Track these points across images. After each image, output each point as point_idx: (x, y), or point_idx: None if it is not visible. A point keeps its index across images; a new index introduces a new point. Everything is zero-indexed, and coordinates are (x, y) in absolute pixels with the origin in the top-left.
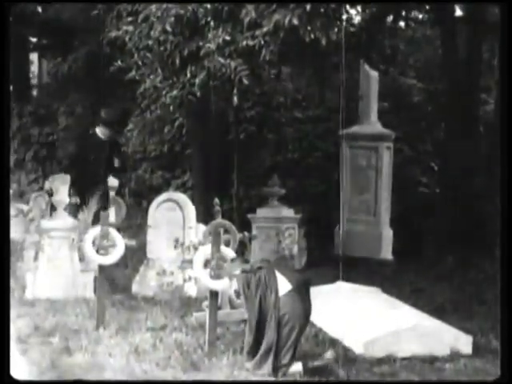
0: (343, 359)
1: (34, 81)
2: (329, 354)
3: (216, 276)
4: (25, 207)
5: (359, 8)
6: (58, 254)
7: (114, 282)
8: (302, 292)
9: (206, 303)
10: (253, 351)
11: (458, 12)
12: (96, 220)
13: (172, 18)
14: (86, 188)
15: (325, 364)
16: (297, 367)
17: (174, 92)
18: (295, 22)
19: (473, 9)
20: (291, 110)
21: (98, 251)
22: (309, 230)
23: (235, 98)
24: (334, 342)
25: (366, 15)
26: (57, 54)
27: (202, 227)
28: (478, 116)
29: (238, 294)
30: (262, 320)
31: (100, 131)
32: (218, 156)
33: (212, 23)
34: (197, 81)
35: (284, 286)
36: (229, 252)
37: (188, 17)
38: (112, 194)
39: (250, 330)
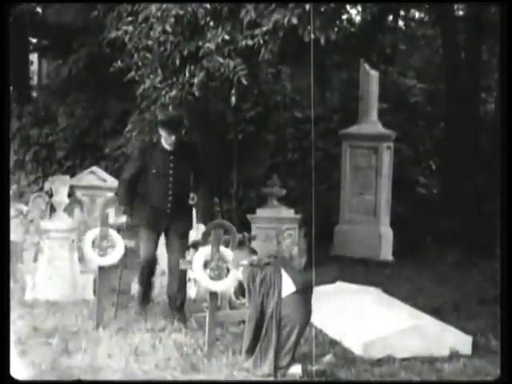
0: (343, 360)
1: (34, 81)
2: (328, 358)
3: (215, 277)
4: (24, 208)
5: (359, 8)
6: (58, 255)
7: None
8: (304, 295)
9: (205, 304)
10: (251, 349)
11: (459, 12)
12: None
13: (172, 19)
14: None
15: (324, 368)
16: (296, 369)
17: (173, 92)
18: (294, 21)
19: (473, 9)
20: (291, 110)
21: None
22: (309, 230)
23: (233, 98)
24: (333, 343)
25: (366, 15)
26: (57, 55)
27: (202, 227)
28: (478, 116)
29: (237, 294)
30: (262, 318)
31: (161, 137)
32: (218, 156)
33: (211, 23)
34: (195, 81)
35: (288, 286)
36: (228, 253)
37: (188, 17)
38: (110, 194)
39: (250, 326)
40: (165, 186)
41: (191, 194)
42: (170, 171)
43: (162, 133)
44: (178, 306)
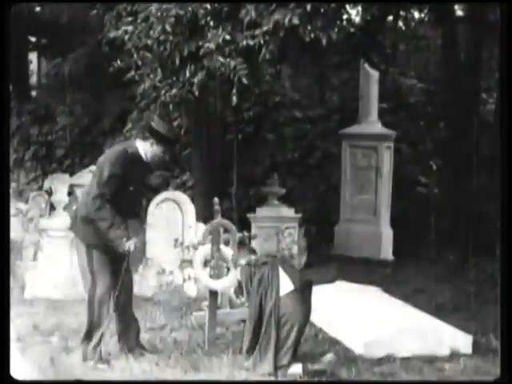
0: (343, 359)
1: (34, 80)
2: (329, 357)
3: (216, 276)
4: (24, 206)
5: (359, 8)
6: (57, 253)
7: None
8: (303, 293)
9: (205, 303)
10: (251, 349)
11: (459, 12)
12: None
13: (172, 18)
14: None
15: (325, 367)
16: (296, 369)
17: (173, 91)
18: (295, 21)
19: (473, 9)
20: (291, 110)
21: None
22: (309, 229)
23: (234, 98)
24: (333, 342)
25: (366, 15)
26: (56, 54)
27: (202, 226)
28: (478, 116)
29: (237, 293)
30: (261, 317)
31: (147, 150)
32: (218, 155)
33: (212, 23)
34: (196, 80)
35: (286, 285)
36: (228, 251)
37: (188, 17)
38: None
39: (249, 326)
40: (139, 199)
41: None
42: (143, 187)
43: (154, 146)
44: (135, 338)
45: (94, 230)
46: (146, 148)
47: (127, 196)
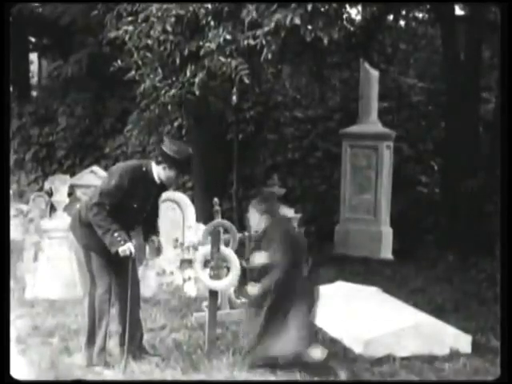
0: (343, 359)
1: (34, 81)
2: (318, 352)
3: (216, 276)
4: (24, 207)
5: (360, 7)
6: (58, 254)
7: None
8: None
9: (205, 303)
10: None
11: (459, 11)
12: None
13: (172, 18)
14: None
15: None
16: (316, 352)
17: (173, 91)
18: (297, 21)
19: (473, 8)
20: (291, 110)
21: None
22: (309, 229)
23: (234, 97)
24: (333, 342)
25: (366, 14)
26: (57, 55)
27: (202, 227)
28: (478, 115)
29: (237, 293)
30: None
31: (160, 174)
32: (218, 156)
33: (212, 23)
34: (196, 80)
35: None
36: (229, 252)
37: (188, 17)
38: None
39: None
40: (141, 217)
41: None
42: (148, 206)
43: (166, 170)
44: (138, 342)
45: (91, 232)
46: (159, 172)
47: (129, 212)
